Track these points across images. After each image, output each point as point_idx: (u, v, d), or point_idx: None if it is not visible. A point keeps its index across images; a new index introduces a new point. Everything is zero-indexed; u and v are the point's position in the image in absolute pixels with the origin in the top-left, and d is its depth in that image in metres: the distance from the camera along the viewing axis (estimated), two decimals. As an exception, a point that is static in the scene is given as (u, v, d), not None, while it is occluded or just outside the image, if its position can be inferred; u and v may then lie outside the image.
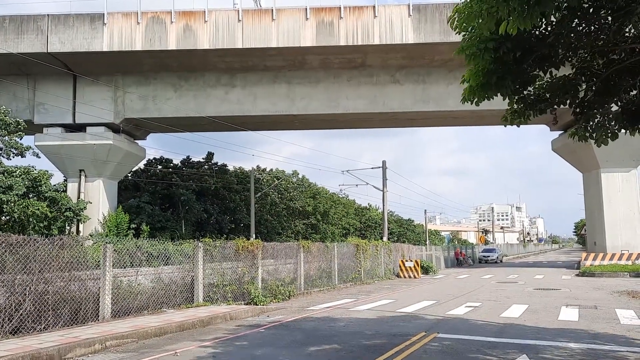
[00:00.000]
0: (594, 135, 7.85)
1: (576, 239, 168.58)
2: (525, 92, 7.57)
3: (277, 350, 9.24)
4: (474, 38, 6.67)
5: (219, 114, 30.89)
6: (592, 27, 6.88)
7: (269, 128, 36.60)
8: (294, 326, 11.98)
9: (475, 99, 7.29)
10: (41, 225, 23.88)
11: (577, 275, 30.24)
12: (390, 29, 27.87)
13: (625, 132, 7.89)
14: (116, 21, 27.99)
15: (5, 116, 24.62)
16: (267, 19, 28.03)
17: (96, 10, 28.27)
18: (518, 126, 8.01)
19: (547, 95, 7.63)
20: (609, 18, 6.66)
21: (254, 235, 38.18)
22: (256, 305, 15.46)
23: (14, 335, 9.76)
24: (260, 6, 31.09)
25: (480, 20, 6.07)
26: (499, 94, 7.23)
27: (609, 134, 7.73)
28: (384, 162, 38.05)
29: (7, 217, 23.38)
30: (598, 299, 17.30)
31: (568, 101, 7.73)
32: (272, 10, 28.09)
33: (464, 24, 6.51)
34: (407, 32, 27.81)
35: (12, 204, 22.15)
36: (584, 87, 7.66)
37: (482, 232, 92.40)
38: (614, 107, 7.77)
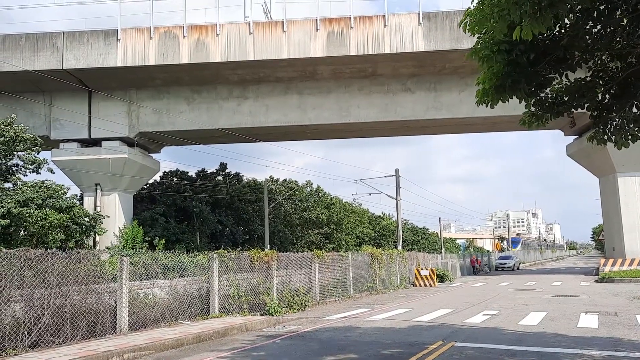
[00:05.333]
0: (613, 138, 7.74)
1: (594, 244, 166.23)
2: (542, 95, 7.50)
3: (294, 360, 9.22)
4: (487, 40, 6.64)
5: (231, 126, 31.10)
6: (608, 30, 6.81)
7: (281, 139, 36.75)
8: (310, 336, 11.94)
9: (490, 102, 7.25)
10: (59, 238, 24.14)
11: (596, 281, 29.80)
12: (400, 37, 27.92)
13: None
14: (129, 37, 28.39)
15: (22, 132, 25.02)
16: (278, 31, 28.24)
17: (110, 27, 28.72)
18: (538, 128, 7.92)
19: (565, 98, 7.55)
20: (624, 20, 6.59)
21: (268, 245, 38.20)
22: (272, 315, 15.44)
23: (33, 349, 9.85)
24: (271, 18, 31.35)
25: (492, 23, 6.04)
26: (514, 97, 7.17)
27: (629, 137, 7.61)
28: (397, 171, 37.97)
29: (26, 232, 23.66)
30: (618, 305, 17.02)
31: (586, 104, 7.64)
32: (283, 22, 28.31)
33: (476, 27, 6.49)
34: (417, 41, 27.84)
35: (31, 218, 22.44)
36: (602, 90, 7.57)
37: (498, 239, 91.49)
38: (635, 110, 7.65)
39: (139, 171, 32.66)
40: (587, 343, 10.24)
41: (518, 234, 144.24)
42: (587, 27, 6.66)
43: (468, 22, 6.53)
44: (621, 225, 32.77)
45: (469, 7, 6.55)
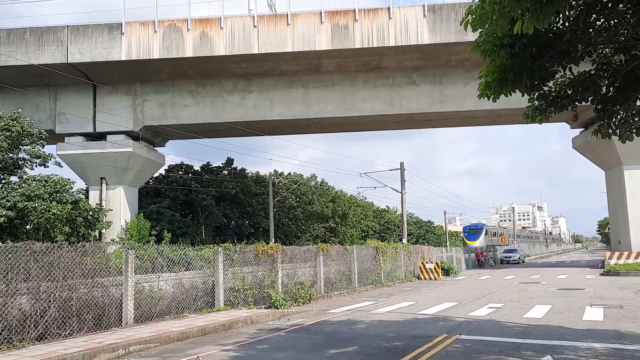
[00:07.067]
0: (618, 131, 7.70)
1: (600, 237, 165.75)
2: (545, 88, 7.46)
3: (298, 353, 9.26)
4: (490, 34, 6.61)
5: (236, 120, 31.10)
6: (612, 22, 6.76)
7: (286, 132, 36.73)
8: (315, 329, 11.99)
9: (492, 95, 7.22)
10: (64, 230, 24.25)
11: (602, 274, 29.72)
12: (405, 30, 27.79)
13: None
14: (134, 30, 28.38)
15: (28, 127, 25.09)
16: (282, 24, 28.16)
17: (114, 20, 28.71)
18: (540, 123, 7.88)
19: (568, 92, 7.51)
20: (629, 12, 6.54)
21: (273, 239, 38.29)
22: (277, 308, 15.50)
23: (39, 341, 9.94)
24: (275, 11, 31.29)
25: (494, 20, 6.02)
26: (517, 90, 7.14)
27: (634, 130, 7.57)
28: (402, 164, 37.91)
29: (32, 225, 23.77)
30: (623, 299, 16.99)
31: (590, 98, 7.59)
32: (287, 15, 28.21)
33: (477, 26, 6.46)
34: (422, 33, 27.71)
35: (37, 211, 22.55)
36: (606, 83, 7.53)
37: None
38: (639, 102, 7.61)
39: (144, 165, 32.75)
40: (591, 336, 10.24)
41: (524, 227, 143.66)
42: (591, 20, 6.61)
43: (470, 20, 6.50)
44: (627, 218, 32.65)
45: (470, 6, 6.52)
